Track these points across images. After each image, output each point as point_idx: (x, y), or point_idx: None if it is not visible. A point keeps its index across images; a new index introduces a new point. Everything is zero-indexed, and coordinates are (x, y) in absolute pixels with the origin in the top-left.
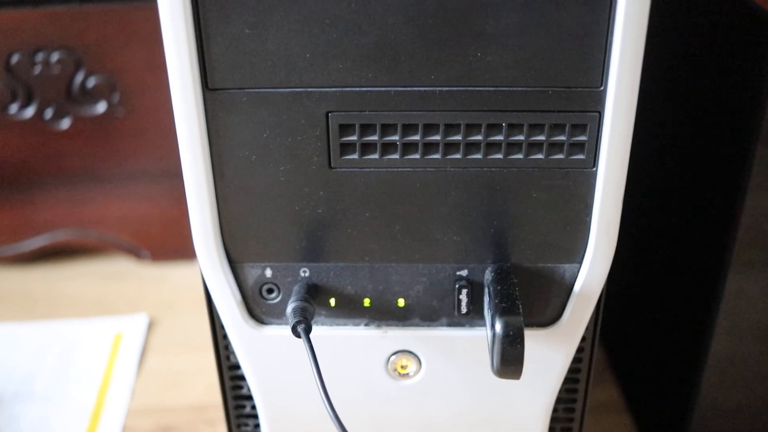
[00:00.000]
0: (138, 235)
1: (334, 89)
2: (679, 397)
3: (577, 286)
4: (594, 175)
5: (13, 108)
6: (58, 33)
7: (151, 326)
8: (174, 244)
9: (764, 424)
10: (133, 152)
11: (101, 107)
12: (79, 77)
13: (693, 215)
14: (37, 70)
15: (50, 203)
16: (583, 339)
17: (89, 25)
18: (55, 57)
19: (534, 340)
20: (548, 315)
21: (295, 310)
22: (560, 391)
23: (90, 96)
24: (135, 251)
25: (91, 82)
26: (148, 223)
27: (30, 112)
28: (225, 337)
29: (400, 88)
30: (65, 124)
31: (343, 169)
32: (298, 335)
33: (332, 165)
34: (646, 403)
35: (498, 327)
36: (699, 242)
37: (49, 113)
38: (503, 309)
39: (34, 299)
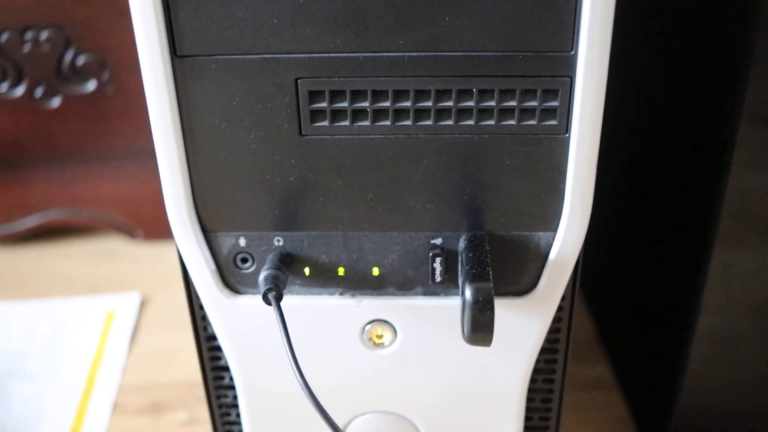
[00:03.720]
0: (131, 214)
1: (302, 55)
2: (667, 373)
3: (552, 255)
4: (567, 141)
5: (3, 87)
6: (47, 11)
7: (143, 305)
8: (167, 223)
9: (752, 399)
10: (125, 130)
11: (91, 85)
12: (68, 55)
13: (678, 189)
14: (27, 48)
15: (42, 183)
16: (561, 309)
17: (78, 3)
18: (44, 35)
19: (509, 309)
20: (524, 284)
21: (266, 278)
22: (539, 362)
23: (80, 74)
24: (128, 230)
25: (81, 61)
26: (140, 201)
27: (20, 90)
28: (201, 308)
29: (369, 54)
30: (56, 102)
31: (314, 137)
32: (269, 303)
33: (303, 132)
34: (635, 379)
35: (468, 293)
36: (685, 217)
37: (39, 92)
38: (473, 275)
39: (27, 278)
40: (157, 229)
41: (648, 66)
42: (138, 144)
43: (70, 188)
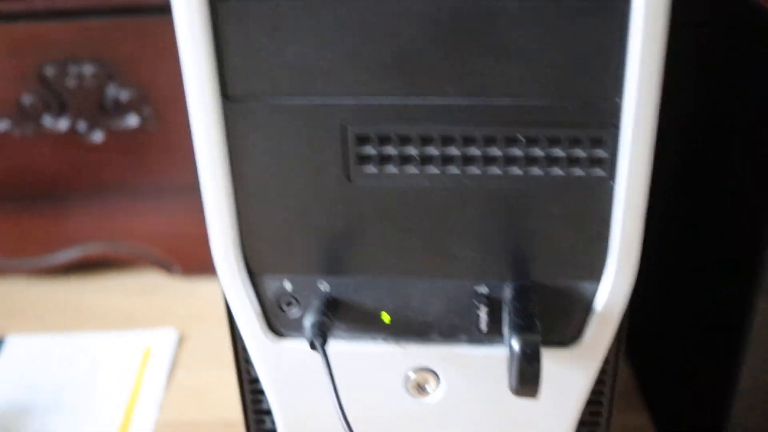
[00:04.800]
0: (169, 249)
1: (351, 100)
2: (709, 425)
3: (598, 305)
4: (614, 190)
5: (47, 120)
6: (90, 46)
7: (180, 341)
8: (205, 259)
9: None
10: (166, 166)
11: (133, 121)
12: (111, 90)
13: (721, 239)
14: (70, 82)
15: (82, 216)
16: (607, 361)
17: (122, 39)
18: (87, 69)
19: (554, 359)
20: (569, 334)
21: (313, 324)
22: (583, 414)
23: (122, 109)
24: (166, 265)
25: (123, 95)
26: (179, 237)
27: (64, 124)
28: (245, 349)
29: (417, 100)
30: (98, 137)
31: (362, 182)
32: (315, 349)
33: (351, 178)
34: (676, 429)
35: (515, 345)
36: (727, 267)
37: (82, 126)
38: (521, 327)
39: (65, 311)
40: (195, 264)
41: (691, 105)
42: (177, 180)
43: (110, 222)
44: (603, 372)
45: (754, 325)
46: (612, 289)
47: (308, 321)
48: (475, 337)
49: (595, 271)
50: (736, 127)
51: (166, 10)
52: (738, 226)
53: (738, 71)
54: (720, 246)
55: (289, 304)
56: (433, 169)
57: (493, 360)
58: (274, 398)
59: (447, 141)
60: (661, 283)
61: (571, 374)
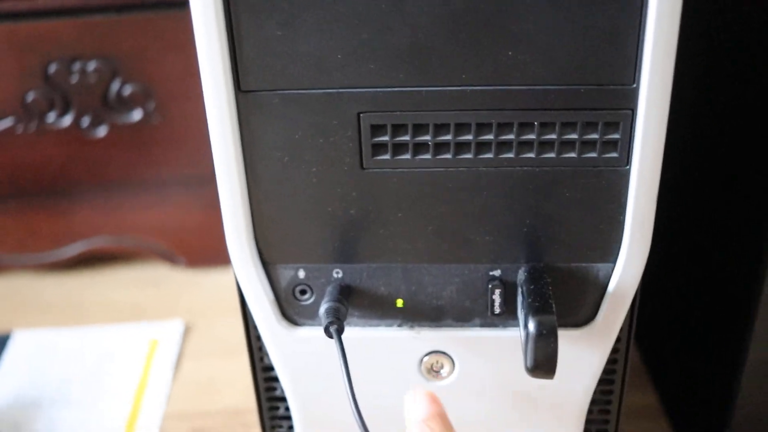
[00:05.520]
0: (174, 242)
1: (365, 90)
2: (717, 403)
3: (612, 286)
4: (628, 174)
5: (51, 116)
6: (94, 42)
7: (186, 332)
8: (209, 250)
9: None
10: (169, 159)
11: (137, 115)
12: (115, 86)
13: (729, 217)
14: (74, 79)
15: (88, 210)
16: (618, 340)
17: (125, 35)
18: (91, 66)
19: (568, 341)
20: (582, 315)
21: (327, 311)
22: (595, 393)
23: (126, 104)
24: (171, 257)
25: (127, 91)
26: (183, 229)
27: (67, 120)
28: (259, 338)
29: (431, 88)
30: (102, 132)
31: (376, 170)
32: (330, 336)
33: (364, 166)
34: (683, 408)
35: (531, 326)
36: (735, 246)
37: (86, 121)
38: (536, 308)
39: (72, 305)
40: (200, 256)
41: (704, 91)
42: (182, 173)
43: (115, 216)
44: (615, 351)
45: (760, 304)
46: (625, 271)
47: (323, 308)
48: (488, 320)
49: (608, 254)
50: (745, 114)
51: (169, 5)
52: (745, 209)
53: (749, 58)
54: (727, 228)
55: (303, 292)
56: (447, 156)
57: (506, 342)
58: (288, 385)
59: (461, 128)
60: (668, 264)
61: (584, 355)
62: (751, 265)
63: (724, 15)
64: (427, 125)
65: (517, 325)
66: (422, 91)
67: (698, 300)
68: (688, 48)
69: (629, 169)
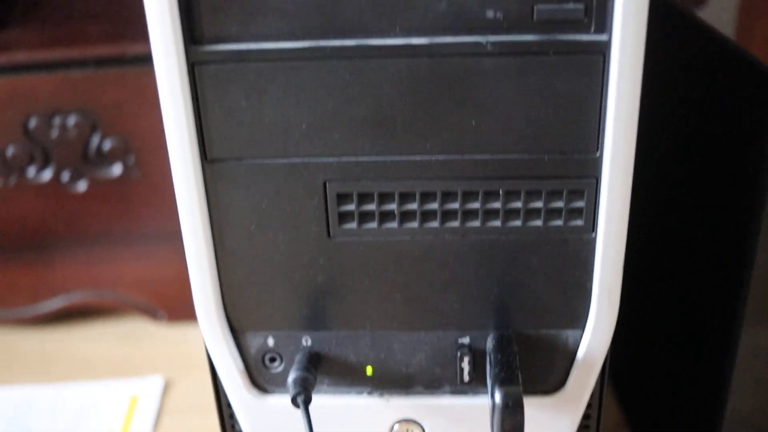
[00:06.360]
0: (155, 296)
1: (331, 159)
2: None
3: (580, 353)
4: (593, 241)
5: (31, 171)
6: (74, 97)
7: (167, 387)
8: (191, 305)
9: None
10: (150, 213)
11: (117, 169)
12: (95, 140)
13: (704, 271)
14: (54, 133)
15: (67, 264)
16: (590, 405)
17: (105, 89)
18: (71, 120)
19: (538, 408)
20: (552, 382)
21: (295, 381)
22: None
23: (106, 158)
24: (152, 312)
25: (107, 145)
26: (164, 283)
27: (47, 175)
28: (229, 405)
29: (396, 157)
30: (82, 186)
31: (342, 239)
32: (297, 406)
33: (331, 234)
34: None
35: (497, 397)
36: (710, 298)
37: (66, 176)
38: (502, 379)
39: (51, 360)
40: (181, 310)
41: (669, 155)
42: (162, 227)
43: (95, 270)
44: (587, 418)
45: (738, 356)
46: (594, 337)
47: (290, 378)
48: (458, 387)
49: (577, 320)
50: (715, 162)
51: (148, 60)
52: (722, 257)
53: (717, 110)
54: (704, 273)
55: (272, 360)
56: (413, 224)
57: (476, 410)
58: None
59: (426, 197)
60: (646, 317)
61: (555, 421)
62: (727, 320)
63: (691, 72)
64: (393, 194)
65: (487, 392)
66: (387, 160)
67: (676, 351)
68: (655, 110)
69: (595, 236)
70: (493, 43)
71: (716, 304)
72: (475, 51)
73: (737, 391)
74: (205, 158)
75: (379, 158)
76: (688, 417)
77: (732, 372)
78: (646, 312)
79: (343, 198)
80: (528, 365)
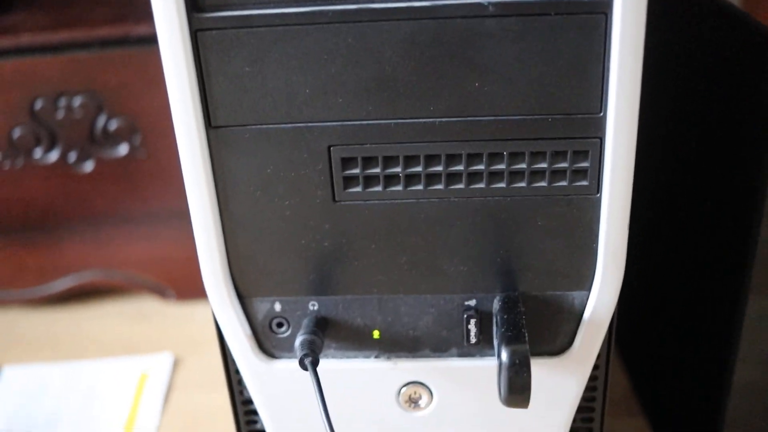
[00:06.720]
0: (163, 275)
1: (335, 123)
2: (705, 426)
3: (587, 314)
4: (598, 201)
5: (38, 152)
6: (80, 78)
7: (176, 365)
8: (199, 283)
9: None
10: (156, 193)
11: (123, 149)
12: (101, 120)
13: (710, 240)
14: (60, 114)
15: (76, 245)
16: (596, 367)
17: (110, 70)
18: (77, 101)
19: (545, 369)
20: (559, 343)
21: (302, 344)
22: (576, 421)
23: (112, 139)
24: (160, 291)
25: (113, 125)
26: (172, 262)
27: (54, 156)
28: (237, 372)
29: (400, 121)
30: (89, 166)
31: (347, 202)
32: (305, 368)
33: (336, 198)
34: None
35: (504, 356)
36: (717, 267)
37: (72, 156)
38: (509, 338)
39: (61, 340)
40: (189, 289)
41: (674, 117)
42: (169, 206)
43: (103, 250)
44: (594, 379)
45: (744, 324)
46: (600, 298)
47: (297, 341)
48: (465, 350)
49: (582, 281)
50: (721, 126)
51: (152, 41)
52: (728, 225)
53: (721, 75)
54: (710, 246)
55: (279, 325)
56: (418, 187)
57: (484, 371)
58: (267, 419)
59: (431, 159)
60: (653, 287)
61: (562, 383)
62: (735, 285)
63: (694, 33)
64: (398, 157)
65: (494, 355)
66: (391, 123)
67: (684, 323)
68: (659, 70)
69: (600, 197)
70: (495, 4)
71: (723, 272)
72: (477, 12)
73: (744, 358)
74: (210, 125)
75: (383, 122)
76: (695, 385)
77: (739, 341)
78: (652, 279)
79: (347, 162)
80: (534, 327)
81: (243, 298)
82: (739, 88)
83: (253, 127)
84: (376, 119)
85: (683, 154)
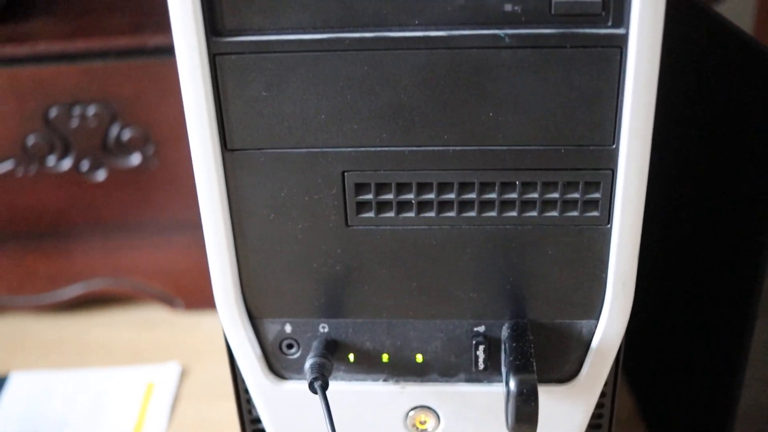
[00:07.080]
0: (171, 284)
1: (349, 149)
2: None
3: (595, 342)
4: (609, 232)
5: (51, 160)
6: (94, 87)
7: (183, 375)
8: (207, 293)
9: None
10: (167, 203)
11: (136, 159)
12: (114, 130)
13: (719, 264)
14: (74, 123)
15: (86, 252)
16: (603, 394)
17: (125, 80)
18: (91, 110)
19: (552, 396)
20: (566, 371)
21: (312, 367)
22: None
23: (125, 148)
24: (168, 300)
25: (126, 135)
26: (181, 272)
27: (67, 164)
28: (246, 391)
29: (414, 148)
30: (101, 175)
31: (360, 227)
32: (314, 391)
33: (349, 223)
34: None
35: (512, 385)
36: (725, 292)
37: (85, 165)
38: (517, 366)
39: (69, 347)
40: (197, 299)
41: (685, 143)
42: (179, 216)
43: (113, 258)
44: (600, 406)
45: (752, 348)
46: (608, 327)
47: (308, 364)
48: (473, 375)
49: (591, 310)
50: (729, 158)
51: (168, 52)
52: (736, 248)
53: (733, 103)
54: (718, 268)
55: (290, 346)
56: (430, 214)
57: (491, 397)
58: None
59: (444, 187)
60: (660, 310)
61: (569, 410)
62: (743, 307)
63: (705, 63)
64: (411, 184)
65: (502, 381)
66: (405, 150)
67: (690, 343)
68: (671, 102)
69: (610, 227)
70: (511, 36)
71: (730, 297)
72: (493, 44)
73: (750, 384)
74: (226, 147)
75: (397, 149)
76: (701, 410)
77: (746, 364)
78: (660, 305)
79: (361, 187)
80: (542, 354)
81: (254, 318)
82: (753, 118)
83: (269, 150)
84: (390, 146)
85: (692, 183)
